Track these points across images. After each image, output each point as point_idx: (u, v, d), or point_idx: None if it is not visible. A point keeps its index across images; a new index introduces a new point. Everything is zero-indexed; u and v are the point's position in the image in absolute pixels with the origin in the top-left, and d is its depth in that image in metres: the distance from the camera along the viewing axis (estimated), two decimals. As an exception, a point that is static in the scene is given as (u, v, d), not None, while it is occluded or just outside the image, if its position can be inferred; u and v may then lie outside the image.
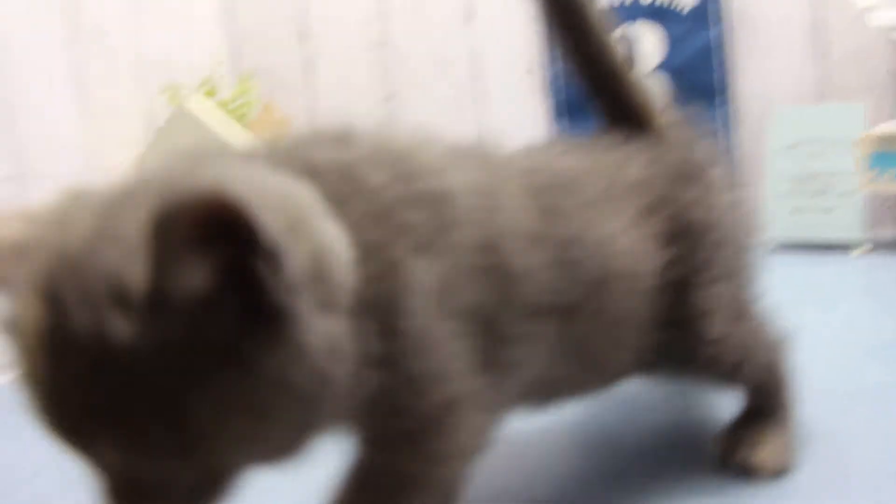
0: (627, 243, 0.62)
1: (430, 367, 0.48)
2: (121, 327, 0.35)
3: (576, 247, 0.58)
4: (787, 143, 1.95)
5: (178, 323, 0.35)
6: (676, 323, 0.65)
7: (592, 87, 0.74)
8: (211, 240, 0.34)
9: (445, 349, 0.49)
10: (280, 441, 0.41)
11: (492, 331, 0.52)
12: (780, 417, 0.72)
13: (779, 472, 0.68)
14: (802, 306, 1.23)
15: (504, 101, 2.20)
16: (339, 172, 0.46)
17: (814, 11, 2.02)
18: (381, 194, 0.47)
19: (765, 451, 0.69)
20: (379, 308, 0.44)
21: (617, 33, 0.77)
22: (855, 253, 1.79)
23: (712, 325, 0.66)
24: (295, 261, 0.36)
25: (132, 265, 0.35)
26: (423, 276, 0.47)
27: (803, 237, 1.83)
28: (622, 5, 2.08)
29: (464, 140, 0.59)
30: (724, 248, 0.69)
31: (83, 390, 0.36)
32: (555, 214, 0.58)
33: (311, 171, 0.45)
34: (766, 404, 0.72)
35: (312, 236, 0.40)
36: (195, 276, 0.34)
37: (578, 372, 0.63)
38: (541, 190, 0.58)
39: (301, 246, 0.38)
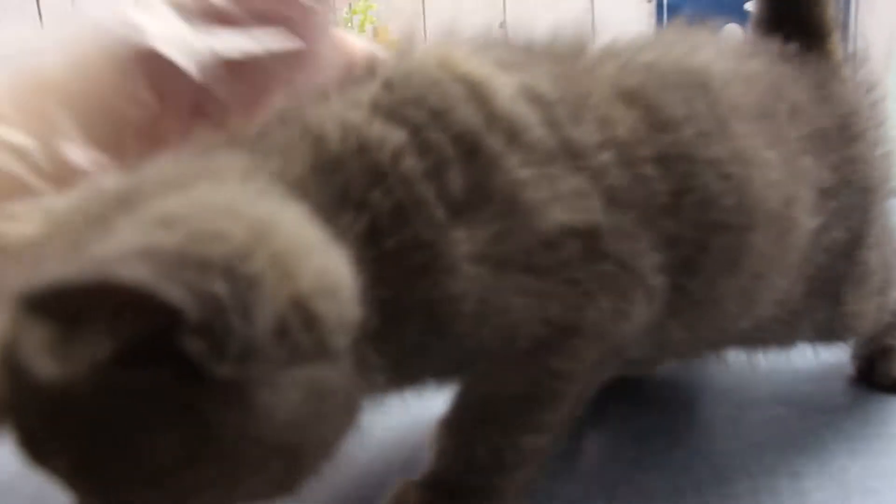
0: (783, 177, 0.49)
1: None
2: (45, 369, 0.32)
3: (708, 170, 0.46)
4: (915, 84, 1.75)
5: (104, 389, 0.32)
6: (818, 291, 0.55)
7: None
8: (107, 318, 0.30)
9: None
10: (266, 485, 0.37)
11: None
12: None
13: None
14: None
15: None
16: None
17: None
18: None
19: None
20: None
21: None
22: None
23: (859, 297, 0.58)
24: (250, 323, 0.31)
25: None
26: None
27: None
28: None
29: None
30: (880, 212, 0.59)
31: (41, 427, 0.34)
32: (675, 126, 0.46)
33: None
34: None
35: (295, 279, 0.34)
36: (94, 353, 0.31)
37: (690, 335, 0.51)
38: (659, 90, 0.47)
39: (268, 302, 0.32)
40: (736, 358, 0.61)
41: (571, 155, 0.42)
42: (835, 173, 0.53)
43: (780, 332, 0.57)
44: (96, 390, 0.31)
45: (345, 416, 0.38)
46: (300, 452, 0.36)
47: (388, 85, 0.41)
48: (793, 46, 0.55)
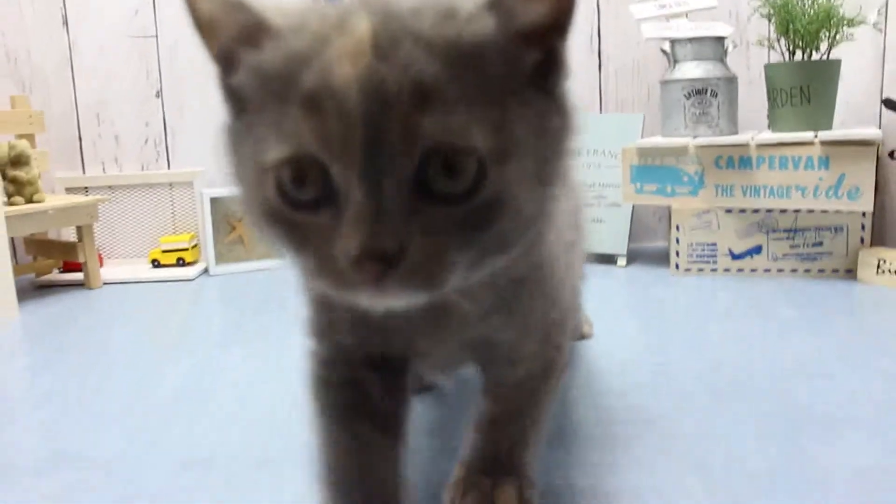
0: None
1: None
2: (482, 24, 0.45)
3: None
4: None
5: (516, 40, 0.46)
6: None
7: None
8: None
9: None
10: (537, 197, 0.48)
11: None
12: None
13: None
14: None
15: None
16: None
17: (591, 23, 2.12)
18: None
19: None
20: None
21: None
22: (620, 264, 1.93)
23: None
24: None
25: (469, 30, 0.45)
26: None
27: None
28: None
29: None
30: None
31: (424, 69, 0.43)
32: None
33: None
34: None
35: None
36: (535, 10, 0.46)
37: None
38: None
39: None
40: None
41: None
42: None
43: None
44: (498, 46, 0.45)
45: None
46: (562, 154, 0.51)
47: None
48: None
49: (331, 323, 0.64)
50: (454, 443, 0.79)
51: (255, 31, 0.47)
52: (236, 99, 0.50)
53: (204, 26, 0.49)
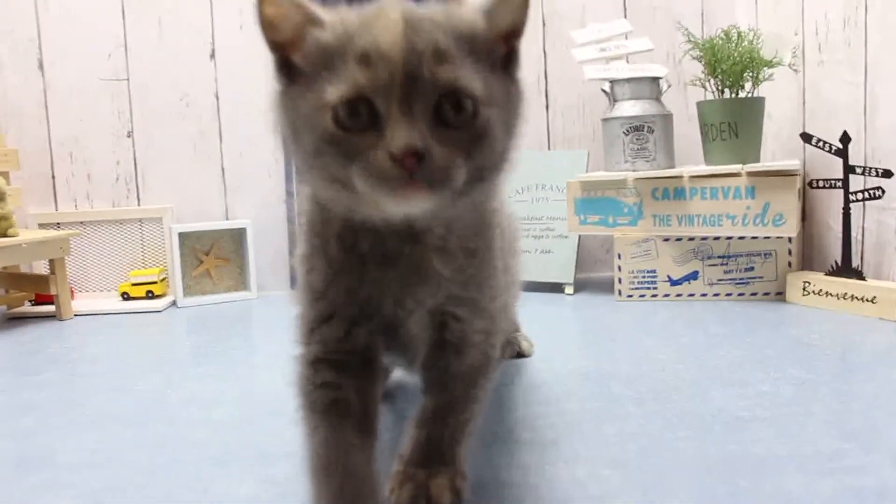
0: None
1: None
2: (475, 17, 0.68)
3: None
4: (516, 187, 2.15)
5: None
6: None
7: None
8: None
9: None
10: (507, 143, 0.69)
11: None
12: None
13: None
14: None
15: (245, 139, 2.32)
16: None
17: (538, 67, 2.29)
18: None
19: None
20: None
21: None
22: (567, 292, 2.06)
23: None
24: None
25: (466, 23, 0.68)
26: None
27: (527, 277, 1.88)
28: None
29: None
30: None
31: (440, 39, 0.65)
32: None
33: None
34: None
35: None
36: (508, 17, 0.70)
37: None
38: None
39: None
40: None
41: None
42: None
43: None
44: (485, 35, 0.68)
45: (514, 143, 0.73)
46: (517, 124, 0.72)
47: None
48: None
49: (327, 293, 0.77)
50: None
51: (313, 21, 0.68)
52: (292, 71, 0.69)
53: (267, 24, 0.68)
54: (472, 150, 0.65)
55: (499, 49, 0.70)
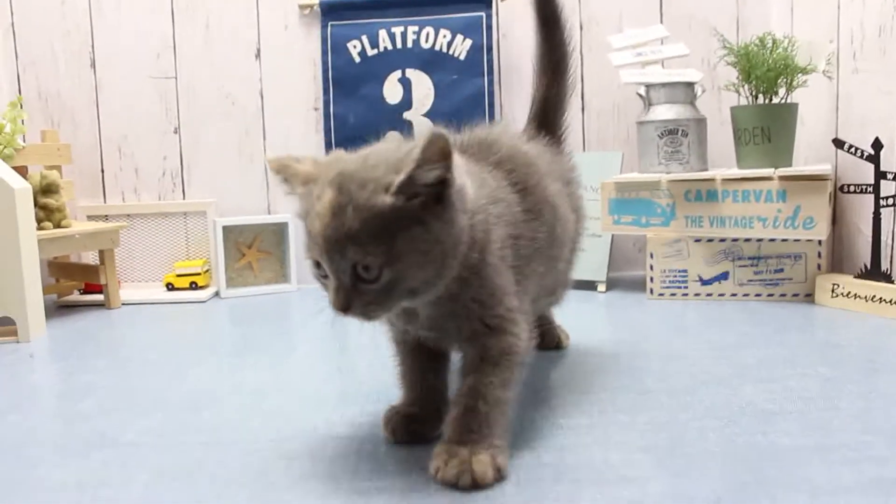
0: (566, 208, 1.17)
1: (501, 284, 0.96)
2: (381, 200, 0.82)
3: (549, 208, 1.08)
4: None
5: (404, 200, 0.82)
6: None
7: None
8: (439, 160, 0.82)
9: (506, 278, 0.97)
10: (432, 268, 0.85)
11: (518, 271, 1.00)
12: None
13: None
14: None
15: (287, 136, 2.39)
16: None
17: (575, 70, 2.32)
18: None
19: None
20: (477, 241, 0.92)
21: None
22: (600, 290, 2.10)
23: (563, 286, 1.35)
24: (457, 183, 0.87)
25: (390, 174, 0.82)
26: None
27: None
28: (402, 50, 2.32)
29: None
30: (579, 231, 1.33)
31: (351, 226, 0.82)
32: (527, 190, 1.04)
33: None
34: None
35: (462, 177, 0.90)
36: (431, 175, 0.82)
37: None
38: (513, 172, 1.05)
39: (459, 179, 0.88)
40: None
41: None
42: (571, 204, 1.22)
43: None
44: (392, 209, 0.82)
45: (461, 252, 0.89)
46: (451, 254, 0.87)
47: None
48: (546, 139, 1.29)
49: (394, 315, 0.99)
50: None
51: (297, 177, 0.91)
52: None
53: (275, 170, 0.93)
54: (391, 292, 0.85)
55: (417, 201, 0.83)
